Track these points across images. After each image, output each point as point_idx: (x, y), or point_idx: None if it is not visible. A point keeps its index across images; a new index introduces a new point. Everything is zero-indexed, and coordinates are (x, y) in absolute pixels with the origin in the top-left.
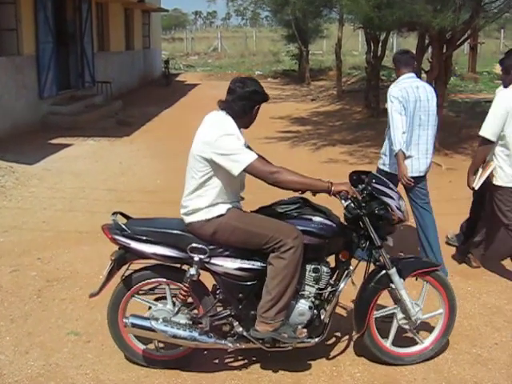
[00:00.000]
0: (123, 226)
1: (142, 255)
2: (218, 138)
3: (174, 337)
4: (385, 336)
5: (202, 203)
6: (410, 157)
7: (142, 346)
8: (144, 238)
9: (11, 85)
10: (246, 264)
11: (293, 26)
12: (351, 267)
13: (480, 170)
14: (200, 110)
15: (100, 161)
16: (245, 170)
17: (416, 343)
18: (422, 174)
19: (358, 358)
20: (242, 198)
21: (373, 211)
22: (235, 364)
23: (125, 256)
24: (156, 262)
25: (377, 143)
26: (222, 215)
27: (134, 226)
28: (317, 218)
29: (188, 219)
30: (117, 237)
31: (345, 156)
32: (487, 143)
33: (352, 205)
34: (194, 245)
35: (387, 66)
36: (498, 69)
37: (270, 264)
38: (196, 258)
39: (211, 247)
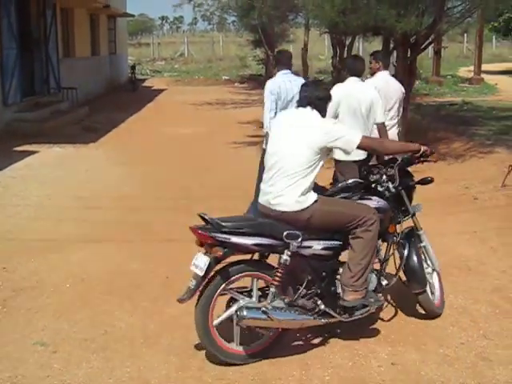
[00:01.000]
0: (221, 223)
1: (243, 248)
2: (332, 125)
3: (288, 321)
4: None
5: (301, 192)
6: None
7: (229, 345)
8: (242, 230)
9: None
10: (329, 244)
11: (259, 30)
12: (395, 238)
13: None
14: (167, 115)
15: (66, 168)
16: (358, 146)
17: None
18: None
19: (327, 361)
20: None
21: (408, 185)
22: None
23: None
24: (239, 257)
25: None
26: (316, 201)
27: (225, 222)
28: (375, 198)
29: (284, 208)
30: (215, 234)
31: None
32: None
33: (390, 184)
34: (289, 232)
35: None
36: (461, 72)
37: (358, 238)
38: (293, 243)
39: (302, 232)
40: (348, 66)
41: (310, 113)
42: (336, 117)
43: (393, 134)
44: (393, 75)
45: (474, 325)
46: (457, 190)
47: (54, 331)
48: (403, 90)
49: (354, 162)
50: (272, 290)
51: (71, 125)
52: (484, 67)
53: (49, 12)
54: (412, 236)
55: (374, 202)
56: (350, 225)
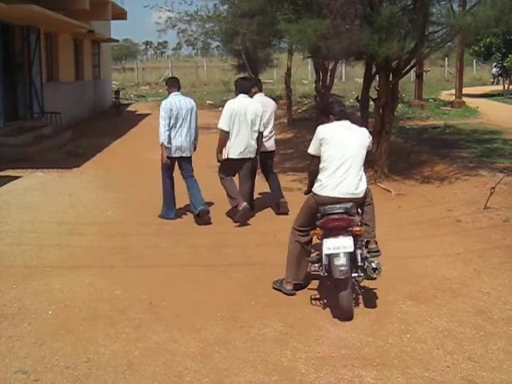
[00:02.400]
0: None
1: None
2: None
3: None
4: None
5: (365, 181)
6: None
7: None
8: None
9: None
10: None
11: (243, 55)
12: None
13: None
14: (150, 140)
15: (49, 193)
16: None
17: None
18: (183, 155)
19: None
20: None
21: None
22: None
23: None
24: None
25: None
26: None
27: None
28: None
29: (362, 194)
30: (350, 217)
31: (297, 184)
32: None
33: None
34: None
35: (336, 94)
36: (443, 95)
37: (370, 204)
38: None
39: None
40: (238, 86)
41: (350, 123)
42: (232, 123)
43: (272, 142)
44: (374, 99)
45: (459, 347)
46: (440, 212)
47: (35, 359)
48: (276, 106)
49: None
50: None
51: (55, 149)
52: (465, 90)
53: (33, 36)
54: None
55: None
56: (369, 197)
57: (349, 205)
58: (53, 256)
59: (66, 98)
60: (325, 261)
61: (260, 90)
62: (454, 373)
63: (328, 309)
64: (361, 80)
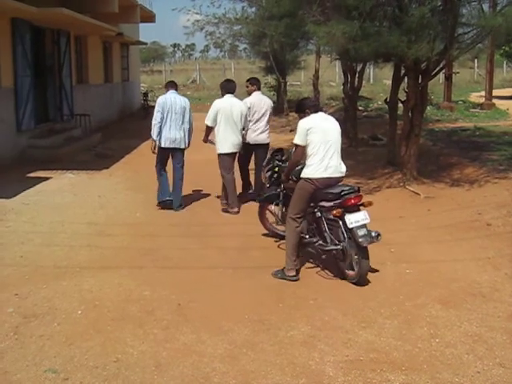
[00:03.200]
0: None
1: None
2: None
3: None
4: None
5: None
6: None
7: None
8: None
9: None
10: None
11: (270, 57)
12: None
13: None
14: None
15: (79, 194)
16: None
17: None
18: (176, 147)
19: None
20: None
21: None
22: None
23: None
24: None
25: (356, 173)
26: None
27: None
28: None
29: (344, 173)
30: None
31: None
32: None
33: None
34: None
35: (364, 96)
36: (472, 97)
37: None
38: None
39: None
40: (224, 87)
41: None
42: (219, 120)
43: (265, 135)
44: (403, 102)
45: (490, 353)
46: (470, 215)
47: (65, 358)
48: (272, 104)
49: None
50: None
51: (84, 151)
52: (495, 92)
53: (63, 39)
54: None
55: None
56: None
57: (344, 186)
58: (82, 256)
59: (95, 100)
60: (346, 235)
61: (258, 89)
62: (485, 379)
63: (355, 311)
64: (389, 82)
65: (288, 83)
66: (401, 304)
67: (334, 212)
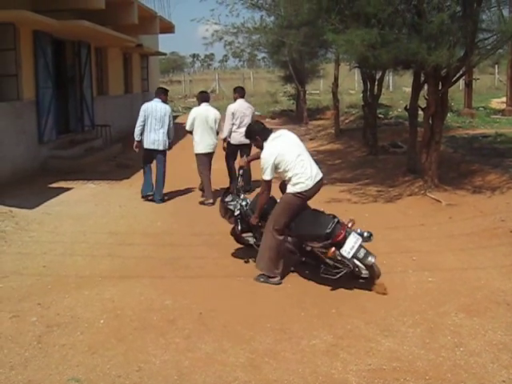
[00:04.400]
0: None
1: None
2: None
3: None
4: None
5: None
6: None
7: None
8: None
9: (11, 130)
10: None
11: (289, 66)
12: None
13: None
14: None
15: (100, 204)
16: None
17: None
18: (156, 148)
19: None
20: None
21: None
22: None
23: None
24: None
25: (376, 181)
26: None
27: None
28: None
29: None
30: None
31: (345, 194)
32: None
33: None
34: None
35: (384, 103)
36: (493, 104)
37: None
38: None
39: None
40: (200, 97)
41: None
42: (196, 126)
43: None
44: (423, 109)
45: None
46: (492, 222)
47: (88, 367)
48: (253, 110)
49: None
50: None
51: (105, 161)
52: None
53: (84, 51)
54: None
55: None
56: None
57: (324, 220)
58: (104, 266)
59: (115, 110)
60: (348, 262)
61: (242, 97)
62: None
63: (378, 320)
64: (408, 89)
65: (307, 92)
66: (423, 312)
67: (329, 254)
